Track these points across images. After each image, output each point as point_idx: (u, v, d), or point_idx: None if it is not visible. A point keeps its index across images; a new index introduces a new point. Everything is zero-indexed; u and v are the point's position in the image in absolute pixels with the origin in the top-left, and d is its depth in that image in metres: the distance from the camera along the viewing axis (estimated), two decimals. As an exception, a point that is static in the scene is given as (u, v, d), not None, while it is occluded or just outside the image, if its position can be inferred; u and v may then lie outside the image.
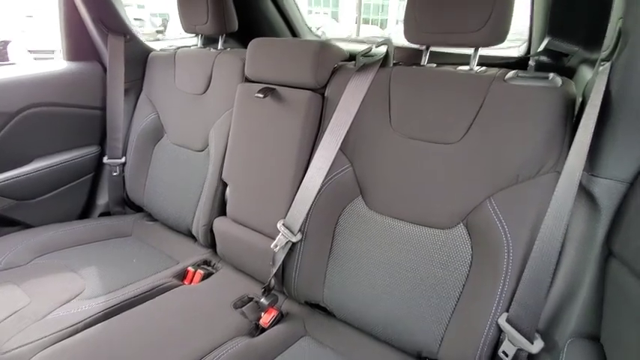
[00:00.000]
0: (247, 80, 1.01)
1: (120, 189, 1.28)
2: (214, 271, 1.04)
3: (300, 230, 0.83)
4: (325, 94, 0.88)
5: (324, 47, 0.87)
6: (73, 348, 0.71)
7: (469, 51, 0.75)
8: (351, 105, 0.80)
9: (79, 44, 1.19)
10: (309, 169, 0.82)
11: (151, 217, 1.26)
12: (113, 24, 1.18)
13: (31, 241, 1.04)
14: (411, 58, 0.85)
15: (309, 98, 0.87)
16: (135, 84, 1.27)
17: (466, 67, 0.77)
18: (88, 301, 0.86)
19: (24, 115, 1.08)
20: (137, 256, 1.08)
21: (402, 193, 0.77)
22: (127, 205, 1.32)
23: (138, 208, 1.31)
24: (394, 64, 0.84)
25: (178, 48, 1.23)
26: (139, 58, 1.26)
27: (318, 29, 1.71)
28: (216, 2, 1.06)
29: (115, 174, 1.26)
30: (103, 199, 1.30)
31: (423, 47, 0.82)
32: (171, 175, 1.18)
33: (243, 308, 0.89)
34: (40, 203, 1.16)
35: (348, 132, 0.79)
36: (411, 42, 0.80)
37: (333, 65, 0.89)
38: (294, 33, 1.56)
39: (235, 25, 1.14)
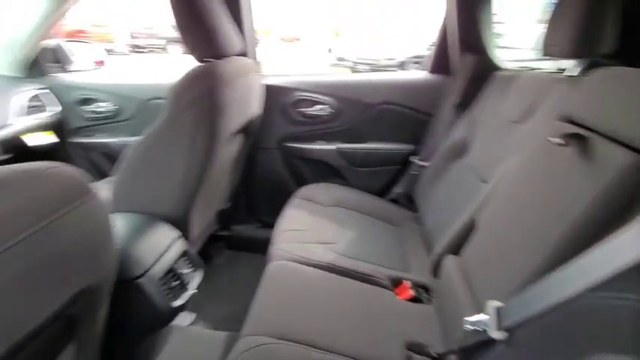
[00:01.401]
0: (568, 120, 0.75)
1: (412, 186, 1.43)
2: (424, 301, 0.98)
3: (509, 330, 0.59)
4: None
5: None
6: (298, 277, 0.98)
7: None
8: None
9: (438, 60, 1.37)
10: (573, 262, 0.54)
11: (420, 222, 1.33)
12: (472, 44, 1.23)
13: (338, 193, 1.43)
14: None
15: (630, 166, 0.53)
16: (468, 99, 1.30)
17: None
18: (330, 252, 1.10)
19: (380, 108, 1.44)
20: (387, 244, 1.20)
21: None
22: (411, 201, 1.46)
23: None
24: None
25: (532, 69, 1.10)
26: (484, 77, 1.26)
27: None
28: (583, 16, 0.81)
29: (413, 172, 1.42)
30: (397, 189, 1.52)
31: None
32: (448, 192, 1.16)
33: (414, 355, 0.80)
34: (360, 172, 1.55)
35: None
36: None
37: None
38: None
39: (608, 46, 0.83)
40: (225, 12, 1.03)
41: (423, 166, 1.38)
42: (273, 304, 0.89)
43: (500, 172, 0.91)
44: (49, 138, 1.55)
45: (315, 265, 1.04)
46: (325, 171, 1.62)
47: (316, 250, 1.10)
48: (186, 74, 0.92)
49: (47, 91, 1.56)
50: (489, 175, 0.98)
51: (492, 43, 1.25)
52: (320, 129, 1.56)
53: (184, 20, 0.93)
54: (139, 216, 0.95)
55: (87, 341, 0.64)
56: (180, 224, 1.01)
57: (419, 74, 1.44)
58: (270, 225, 1.23)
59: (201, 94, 0.91)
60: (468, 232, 0.90)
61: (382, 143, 1.50)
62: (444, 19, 1.35)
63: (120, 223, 0.91)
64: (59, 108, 1.59)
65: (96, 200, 0.51)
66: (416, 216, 1.38)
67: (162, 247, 0.91)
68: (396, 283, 1.04)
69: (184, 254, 0.97)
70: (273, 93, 1.48)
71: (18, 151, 1.43)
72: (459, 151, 1.23)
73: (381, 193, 1.56)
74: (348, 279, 1.00)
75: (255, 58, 1.48)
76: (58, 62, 1.66)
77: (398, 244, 1.22)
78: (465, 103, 1.31)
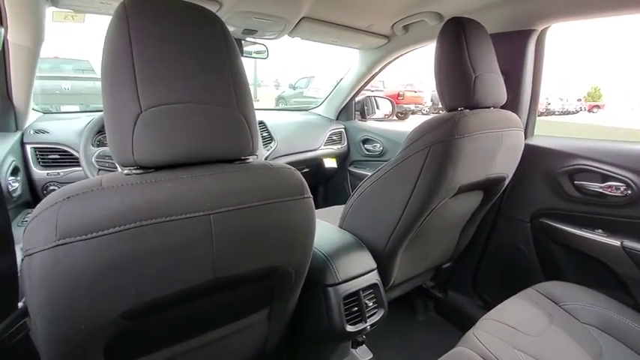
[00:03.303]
0: None
1: None
2: None
3: None
4: None
5: None
6: None
7: None
8: None
9: None
10: None
11: None
12: None
13: (612, 314, 0.95)
14: None
15: None
16: None
17: None
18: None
19: None
20: None
21: None
22: None
23: None
24: None
25: None
26: None
27: None
28: None
29: None
30: None
31: None
32: None
33: None
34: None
35: None
36: None
37: None
38: None
39: None
40: (490, 63, 0.97)
41: None
42: None
43: None
44: (334, 163, 2.05)
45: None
46: (596, 273, 1.13)
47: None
48: (427, 121, 0.95)
49: (343, 130, 2.08)
50: None
51: None
52: (603, 214, 1.11)
53: (438, 70, 0.97)
54: (352, 236, 1.06)
55: (277, 314, 0.78)
56: (382, 260, 1.03)
57: None
58: (491, 307, 1.01)
59: (435, 140, 0.90)
60: None
61: None
62: None
63: (335, 235, 1.05)
64: (346, 143, 2.08)
65: (308, 202, 0.63)
66: None
67: (357, 270, 0.97)
68: None
69: (372, 287, 0.98)
70: (539, 155, 1.22)
71: (315, 167, 1.99)
72: None
73: None
74: None
75: (526, 114, 1.28)
76: (359, 111, 2.18)
77: None
78: None
